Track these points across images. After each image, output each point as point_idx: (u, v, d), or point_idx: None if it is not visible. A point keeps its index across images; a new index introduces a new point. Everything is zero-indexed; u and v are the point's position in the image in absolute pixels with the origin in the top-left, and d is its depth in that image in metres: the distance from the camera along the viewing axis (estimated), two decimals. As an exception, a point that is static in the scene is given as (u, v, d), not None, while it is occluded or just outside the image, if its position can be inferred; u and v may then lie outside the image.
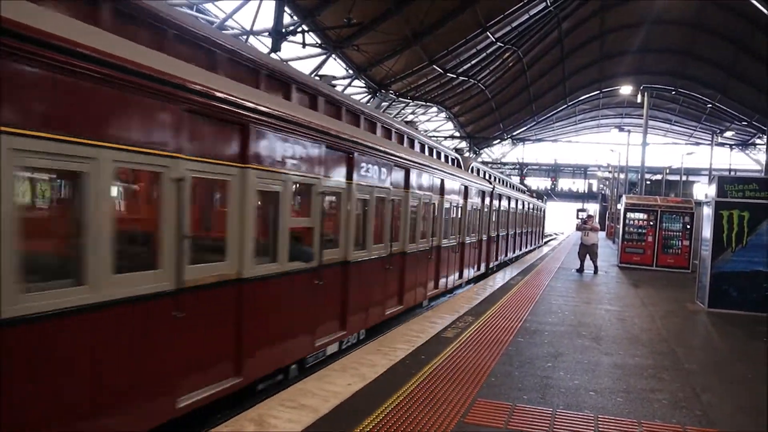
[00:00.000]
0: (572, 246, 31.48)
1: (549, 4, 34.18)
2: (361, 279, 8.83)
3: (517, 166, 70.59)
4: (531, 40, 39.15)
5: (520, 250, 27.78)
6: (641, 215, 22.84)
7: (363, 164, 8.67)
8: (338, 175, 7.97)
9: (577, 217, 68.38)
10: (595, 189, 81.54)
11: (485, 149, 65.86)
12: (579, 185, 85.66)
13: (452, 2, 26.99)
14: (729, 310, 12.30)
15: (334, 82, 14.07)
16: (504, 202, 21.70)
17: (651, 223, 22.49)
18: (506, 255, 23.47)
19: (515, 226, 25.21)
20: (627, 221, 23.12)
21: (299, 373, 7.16)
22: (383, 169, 9.49)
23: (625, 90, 35.69)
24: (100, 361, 4.17)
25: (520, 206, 26.21)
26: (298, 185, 6.88)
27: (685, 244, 22.05)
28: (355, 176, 8.35)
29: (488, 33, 32.18)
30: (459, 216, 14.87)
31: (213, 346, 5.44)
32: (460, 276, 15.53)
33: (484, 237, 18.33)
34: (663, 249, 22.30)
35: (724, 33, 38.35)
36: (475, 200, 16.47)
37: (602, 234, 42.13)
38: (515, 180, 44.39)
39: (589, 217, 22.31)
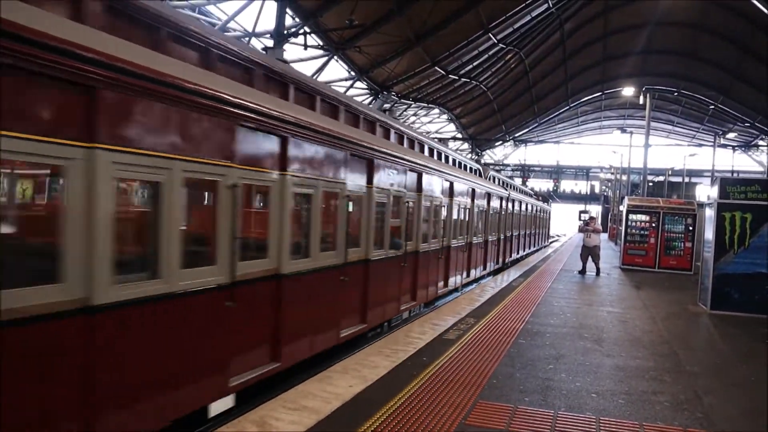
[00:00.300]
0: (574, 248, 31.47)
1: (551, 5, 34.19)
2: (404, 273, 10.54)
3: (520, 168, 70.59)
4: (533, 42, 39.16)
5: (531, 248, 30.68)
6: (643, 217, 22.81)
7: (426, 177, 11.48)
8: (385, 183, 9.45)
9: (580, 219, 68.29)
10: (597, 191, 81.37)
11: (487, 151, 65.83)
12: (581, 187, 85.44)
13: (455, 3, 27.02)
14: (731, 312, 12.27)
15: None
16: (517, 206, 24.52)
17: (653, 225, 22.46)
18: (518, 253, 25.80)
19: (527, 227, 28.35)
20: (629, 223, 23.08)
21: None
22: (439, 182, 12.66)
23: (628, 91, 35.73)
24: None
25: (530, 209, 29.41)
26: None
27: (687, 245, 22.01)
28: (423, 185, 11.33)
29: (490, 34, 32.19)
30: (483, 218, 17.60)
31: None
32: (484, 268, 18.34)
33: (502, 236, 21.12)
34: (665, 251, 22.26)
35: (727, 34, 38.28)
36: (494, 204, 19.25)
37: (604, 236, 42.11)
38: (518, 181, 44.47)
39: (592, 218, 22.27)
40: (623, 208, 24.78)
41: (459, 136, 51.00)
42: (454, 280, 14.41)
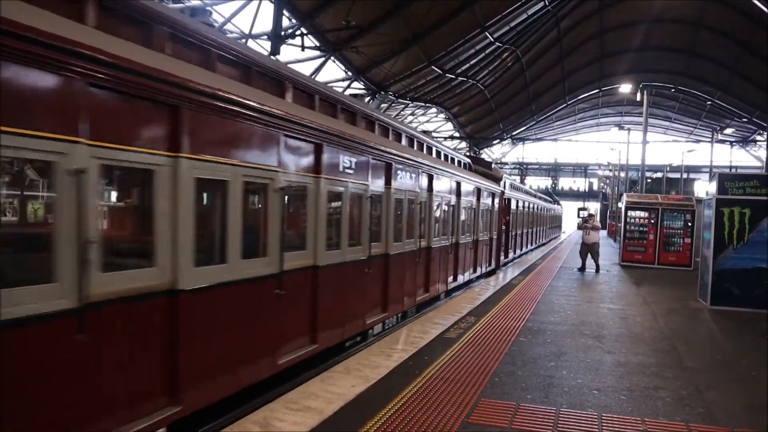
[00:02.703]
0: (573, 245, 31.50)
1: (547, 3, 34.20)
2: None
3: (518, 166, 70.61)
4: (529, 40, 39.16)
5: (544, 239, 39.83)
6: (642, 213, 22.84)
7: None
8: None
9: (578, 216, 68.39)
10: (595, 188, 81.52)
11: (485, 149, 65.86)
12: (579, 184, 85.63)
13: (451, 3, 27.02)
14: (731, 308, 12.30)
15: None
16: (536, 209, 32.43)
17: (652, 222, 22.49)
18: (534, 243, 32.85)
19: (541, 223, 37.17)
20: (628, 220, 23.12)
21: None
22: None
23: (625, 88, 35.69)
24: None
25: (545, 211, 38.78)
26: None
27: (686, 241, 22.05)
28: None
29: (487, 33, 32.17)
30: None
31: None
32: (515, 252, 25.06)
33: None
34: (664, 247, 22.30)
35: (724, 30, 38.34)
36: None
37: (603, 233, 42.13)
38: (516, 179, 44.77)
39: (590, 216, 22.32)
40: (622, 205, 24.82)
41: (456, 134, 50.99)
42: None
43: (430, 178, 11.82)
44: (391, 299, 9.85)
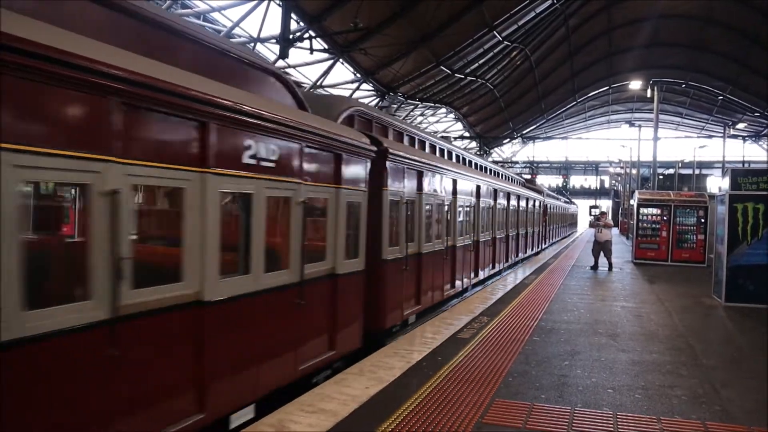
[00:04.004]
0: (585, 243, 31.35)
1: (555, 1, 34.07)
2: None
3: (528, 165, 70.36)
4: (538, 38, 39.05)
5: (568, 232, 50.10)
6: (655, 210, 22.71)
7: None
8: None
9: (590, 214, 68.02)
10: (607, 185, 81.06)
11: (495, 148, 65.71)
12: (591, 182, 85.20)
13: (459, 3, 27.00)
14: (746, 304, 12.18)
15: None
16: (561, 210, 42.13)
17: (665, 218, 22.35)
18: (560, 235, 42.67)
19: (565, 220, 46.90)
20: (640, 217, 22.99)
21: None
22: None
23: (635, 85, 35.50)
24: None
25: (566, 211, 48.32)
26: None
27: (699, 238, 21.89)
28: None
29: (495, 32, 32.10)
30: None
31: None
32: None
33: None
34: (677, 244, 22.14)
35: (733, 24, 38.04)
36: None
37: (616, 230, 41.88)
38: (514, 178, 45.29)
39: (602, 213, 22.16)
40: (634, 202, 24.69)
41: (466, 134, 50.92)
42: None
43: (508, 195, 19.48)
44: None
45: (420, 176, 10.41)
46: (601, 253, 19.41)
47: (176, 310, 4.56)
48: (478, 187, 14.90)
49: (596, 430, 5.21)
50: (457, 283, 13.26)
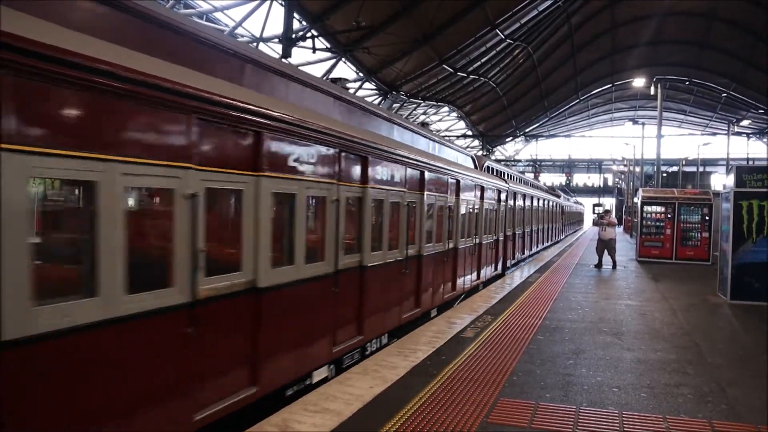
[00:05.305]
0: (589, 242, 31.30)
1: (558, -1, 34.03)
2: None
3: (531, 163, 70.23)
4: (541, 36, 38.96)
5: (577, 228, 57.29)
6: (659, 208, 22.65)
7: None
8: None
9: (594, 213, 68.00)
10: (610, 183, 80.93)
11: (498, 147, 65.60)
12: (594, 180, 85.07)
13: (461, 1, 26.95)
14: (751, 302, 12.12)
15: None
16: (571, 209, 48.85)
17: (669, 216, 22.28)
18: (570, 230, 48.84)
19: (574, 218, 54.57)
20: (644, 215, 22.93)
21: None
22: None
23: (638, 82, 35.45)
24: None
25: (575, 209, 55.87)
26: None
27: (704, 235, 21.81)
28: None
29: (497, 30, 32.07)
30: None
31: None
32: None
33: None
34: (682, 241, 22.08)
35: (737, 21, 37.88)
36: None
37: (620, 228, 41.81)
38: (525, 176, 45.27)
39: (606, 211, 22.14)
40: (638, 200, 24.63)
41: (469, 133, 50.83)
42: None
43: (537, 199, 24.99)
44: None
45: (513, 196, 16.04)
46: (605, 252, 19.36)
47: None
48: (538, 199, 23.40)
49: (602, 430, 5.19)
50: (517, 254, 20.49)
